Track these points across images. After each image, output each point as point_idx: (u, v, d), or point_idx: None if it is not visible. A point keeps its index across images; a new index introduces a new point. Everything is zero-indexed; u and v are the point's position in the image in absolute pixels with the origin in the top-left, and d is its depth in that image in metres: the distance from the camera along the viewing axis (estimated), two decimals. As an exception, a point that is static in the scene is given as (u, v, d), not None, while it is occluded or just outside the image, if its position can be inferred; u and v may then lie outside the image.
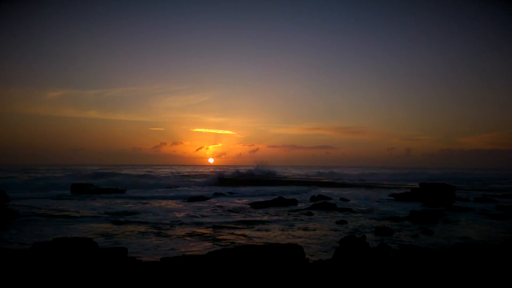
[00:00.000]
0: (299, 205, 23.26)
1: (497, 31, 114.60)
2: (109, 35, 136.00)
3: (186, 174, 68.67)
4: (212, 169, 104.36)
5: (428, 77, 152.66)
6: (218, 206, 22.69)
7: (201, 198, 26.72)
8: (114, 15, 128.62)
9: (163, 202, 24.78)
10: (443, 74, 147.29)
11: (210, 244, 12.02)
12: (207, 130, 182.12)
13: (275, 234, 13.84)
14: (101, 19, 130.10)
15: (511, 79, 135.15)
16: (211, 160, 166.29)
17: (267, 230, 14.63)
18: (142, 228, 14.67)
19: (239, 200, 27.15)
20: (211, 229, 14.69)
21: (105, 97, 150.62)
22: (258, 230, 14.71)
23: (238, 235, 13.55)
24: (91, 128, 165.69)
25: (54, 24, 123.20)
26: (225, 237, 13.13)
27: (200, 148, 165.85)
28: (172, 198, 28.07)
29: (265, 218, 17.96)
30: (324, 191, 35.18)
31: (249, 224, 16.01)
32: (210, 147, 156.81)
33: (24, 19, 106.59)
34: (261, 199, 25.86)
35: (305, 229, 15.01)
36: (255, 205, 22.56)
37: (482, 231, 14.68)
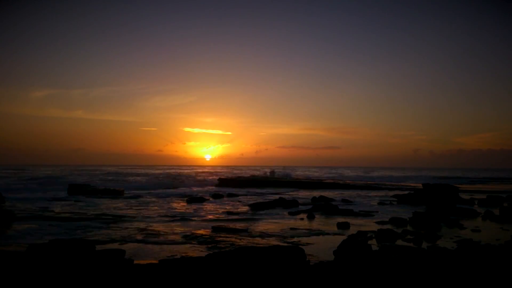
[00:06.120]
0: (300, 206, 23.07)
1: (493, 31, 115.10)
2: (93, 34, 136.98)
3: (184, 175, 68.47)
4: (211, 170, 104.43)
5: (426, 78, 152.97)
6: (218, 208, 22.53)
7: (200, 199, 26.57)
8: (99, 15, 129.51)
9: (161, 203, 24.61)
10: (439, 74, 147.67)
11: (209, 246, 11.84)
12: (203, 130, 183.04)
13: (275, 236, 13.65)
14: (86, 18, 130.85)
15: (507, 79, 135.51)
16: (207, 158, 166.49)
17: (266, 232, 14.44)
18: (139, 230, 14.50)
19: (239, 201, 26.98)
20: (210, 230, 14.52)
21: (91, 96, 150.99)
22: (257, 231, 14.52)
23: (237, 237, 13.37)
24: (81, 128, 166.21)
25: (38, 23, 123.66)
26: (224, 239, 12.94)
27: (199, 148, 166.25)
28: (170, 199, 27.92)
29: (265, 219, 17.78)
30: (325, 192, 35.03)
31: (249, 225, 15.82)
32: (209, 147, 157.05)
33: (8, 18, 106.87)
34: (261, 201, 25.68)
35: (306, 230, 14.83)
36: (255, 207, 22.36)
37: (486, 234, 14.45)
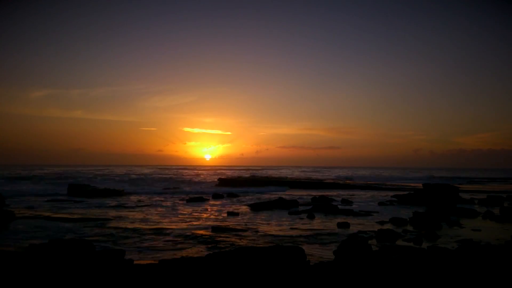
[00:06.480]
0: (300, 206, 23.05)
1: (493, 31, 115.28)
2: (92, 34, 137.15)
3: (184, 175, 68.44)
4: (211, 170, 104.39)
5: (425, 77, 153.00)
6: (217, 208, 22.53)
7: (200, 199, 26.57)
8: (99, 15, 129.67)
9: (161, 203, 24.60)
10: (439, 74, 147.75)
11: (209, 246, 11.82)
12: (203, 130, 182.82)
13: (275, 236, 13.63)
14: (86, 18, 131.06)
15: (507, 79, 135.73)
16: (207, 158, 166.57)
17: (266, 232, 14.43)
18: (140, 230, 14.49)
19: (238, 201, 26.98)
20: (210, 230, 14.50)
21: (90, 96, 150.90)
22: (257, 232, 14.50)
23: (237, 237, 13.36)
24: (81, 128, 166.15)
25: (38, 23, 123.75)
26: (224, 239, 12.93)
27: (199, 148, 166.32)
28: (170, 199, 27.92)
29: (265, 220, 17.76)
30: (326, 192, 35.02)
31: (249, 226, 15.81)
32: (209, 147, 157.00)
33: (8, 18, 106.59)
34: (261, 201, 25.66)
35: (306, 231, 14.81)
36: (255, 207, 22.35)
37: (486, 233, 14.44)
